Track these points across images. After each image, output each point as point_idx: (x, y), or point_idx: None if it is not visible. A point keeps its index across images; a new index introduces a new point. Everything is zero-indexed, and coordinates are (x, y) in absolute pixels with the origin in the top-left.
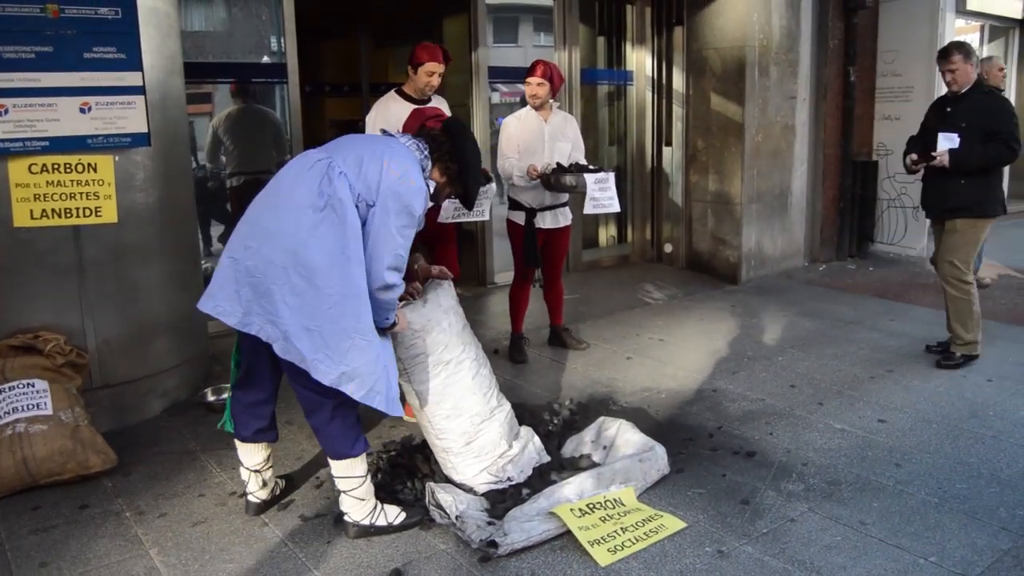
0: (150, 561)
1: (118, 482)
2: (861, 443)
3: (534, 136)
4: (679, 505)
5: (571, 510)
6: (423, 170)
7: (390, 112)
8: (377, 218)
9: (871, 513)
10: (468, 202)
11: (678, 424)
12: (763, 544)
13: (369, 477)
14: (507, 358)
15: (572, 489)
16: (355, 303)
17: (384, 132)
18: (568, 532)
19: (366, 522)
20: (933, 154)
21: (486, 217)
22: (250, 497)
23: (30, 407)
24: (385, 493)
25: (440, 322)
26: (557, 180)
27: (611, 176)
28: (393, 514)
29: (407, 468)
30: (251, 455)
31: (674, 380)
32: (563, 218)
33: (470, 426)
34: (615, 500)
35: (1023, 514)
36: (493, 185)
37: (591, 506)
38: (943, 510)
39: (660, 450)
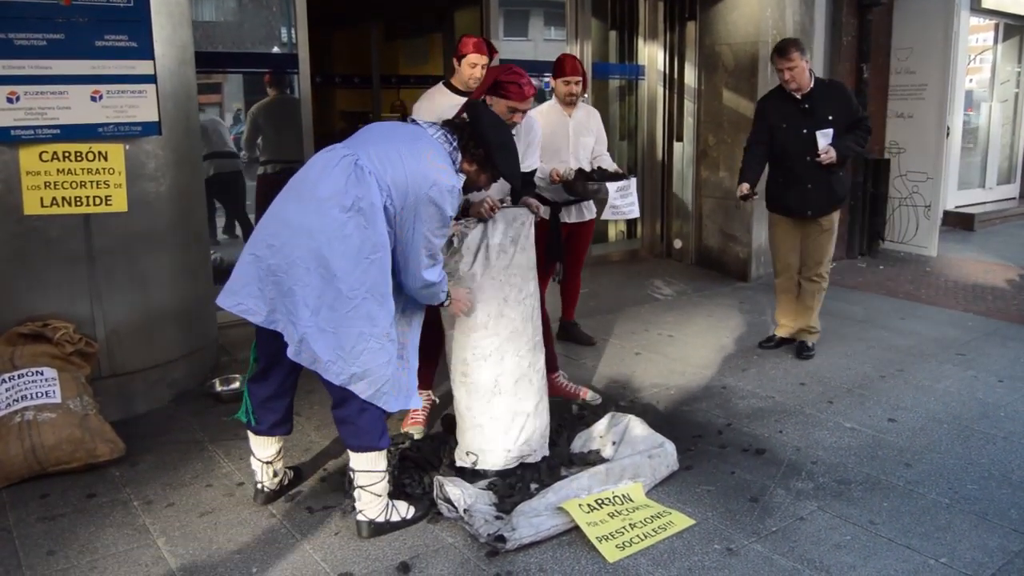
0: (157, 551)
1: (126, 471)
2: (871, 442)
3: (558, 132)
4: (688, 502)
5: (579, 505)
6: (453, 163)
7: (438, 104)
8: (410, 224)
9: (881, 513)
10: (512, 182)
11: (687, 421)
12: (772, 542)
13: (388, 475)
14: None
15: (581, 484)
16: (372, 306)
17: (413, 121)
18: (577, 527)
19: (381, 519)
20: (820, 152)
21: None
22: (259, 486)
23: (39, 395)
24: (392, 487)
25: (480, 251)
26: (581, 187)
27: (633, 182)
28: (404, 508)
29: (415, 461)
30: (264, 447)
31: (683, 376)
32: (587, 212)
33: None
34: (624, 496)
35: None
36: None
37: (600, 501)
38: (954, 511)
39: (670, 447)
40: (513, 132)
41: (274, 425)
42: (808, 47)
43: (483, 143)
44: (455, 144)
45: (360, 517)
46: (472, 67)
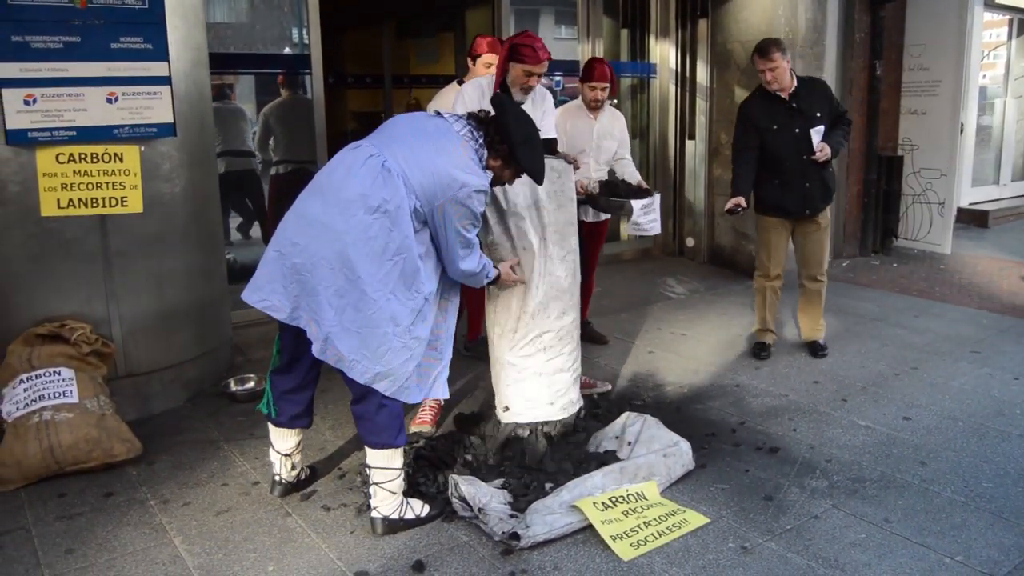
0: (174, 549)
1: (142, 470)
2: (886, 440)
3: (581, 134)
4: (702, 500)
5: (594, 504)
6: (480, 160)
7: (451, 103)
8: (441, 223)
9: (896, 511)
10: (536, 178)
11: (701, 419)
12: (787, 540)
13: (404, 472)
14: None
15: (595, 483)
16: (396, 306)
17: (438, 113)
18: (591, 526)
19: (395, 516)
20: (816, 151)
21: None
22: (277, 478)
23: (56, 395)
24: (407, 485)
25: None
26: (604, 202)
27: (656, 199)
28: (418, 506)
29: (430, 460)
30: (284, 440)
31: (696, 375)
32: (602, 215)
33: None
34: (638, 494)
35: None
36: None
37: (614, 499)
38: (969, 509)
39: (685, 445)
40: (528, 98)
41: (294, 417)
42: (820, 44)
43: (506, 138)
44: (481, 141)
45: (375, 514)
46: (487, 67)
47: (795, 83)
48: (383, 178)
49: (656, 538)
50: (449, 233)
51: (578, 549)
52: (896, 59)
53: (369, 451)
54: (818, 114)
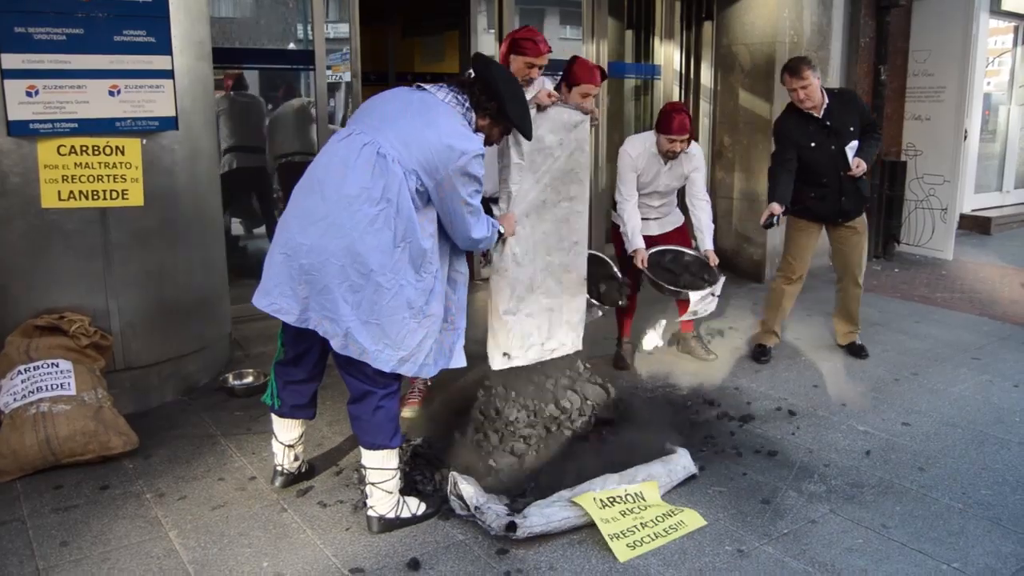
0: (170, 543)
1: (139, 464)
2: (884, 445)
3: (649, 170)
4: (699, 503)
5: (594, 500)
6: (469, 124)
7: None
8: (444, 196)
9: (893, 517)
10: (525, 133)
11: (699, 421)
12: (784, 544)
13: (399, 472)
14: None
15: (595, 484)
16: (409, 290)
17: (419, 86)
18: (587, 526)
19: (391, 515)
20: (853, 168)
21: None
22: (278, 468)
23: (54, 387)
24: (404, 482)
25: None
26: (659, 287)
27: (719, 285)
28: (415, 504)
29: (427, 458)
30: (287, 430)
31: (696, 377)
32: (670, 224)
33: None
34: (636, 494)
35: None
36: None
37: (612, 499)
38: (967, 516)
39: (683, 452)
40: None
41: (296, 407)
42: (826, 48)
43: (495, 95)
44: (467, 104)
45: (371, 513)
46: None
47: (826, 99)
48: (381, 167)
49: (653, 539)
50: (456, 205)
51: (574, 549)
52: (901, 64)
53: (364, 452)
54: (851, 128)
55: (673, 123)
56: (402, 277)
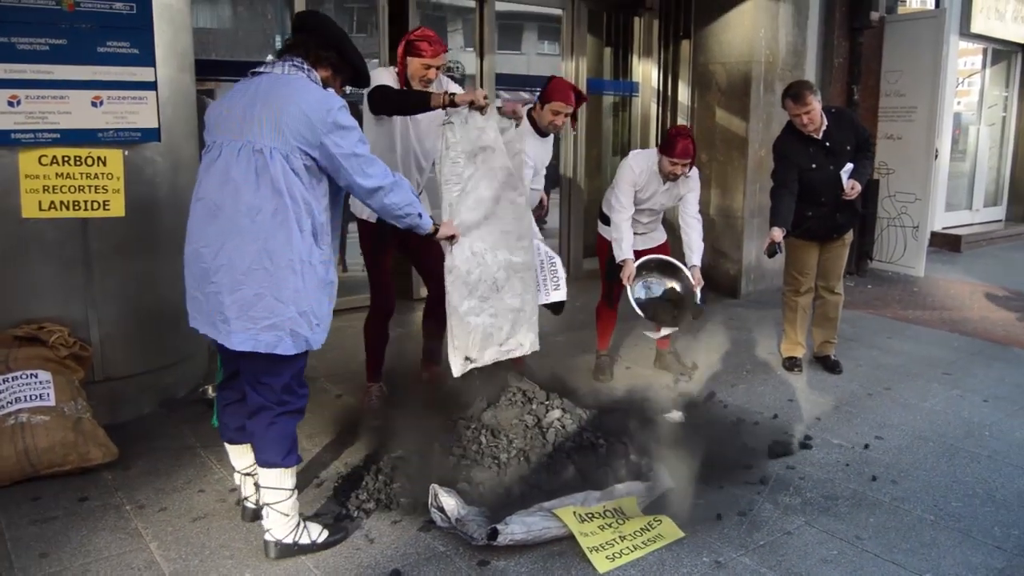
0: (150, 555)
1: (118, 475)
2: (858, 459)
3: (648, 191)
4: (676, 515)
5: (574, 513)
6: (316, 82)
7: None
8: (337, 156)
9: (867, 528)
10: (361, 79)
11: (675, 435)
12: (760, 556)
13: (296, 493)
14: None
15: (577, 499)
16: (319, 268)
17: (253, 73)
18: (567, 537)
19: (289, 540)
20: (848, 190)
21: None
22: (245, 503)
23: (33, 398)
24: (385, 497)
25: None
26: (636, 311)
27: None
28: (316, 531)
29: (406, 472)
30: (240, 457)
31: (671, 391)
32: (652, 241)
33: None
34: (615, 510)
35: (1017, 533)
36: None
37: (590, 514)
38: (938, 527)
39: (661, 470)
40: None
41: (240, 430)
42: (800, 68)
43: (333, 43)
44: (305, 66)
45: (267, 537)
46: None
47: (825, 121)
48: (261, 163)
49: (632, 551)
50: (348, 161)
51: (554, 561)
52: (874, 85)
53: (260, 470)
54: (848, 148)
55: (677, 147)
56: (313, 256)
